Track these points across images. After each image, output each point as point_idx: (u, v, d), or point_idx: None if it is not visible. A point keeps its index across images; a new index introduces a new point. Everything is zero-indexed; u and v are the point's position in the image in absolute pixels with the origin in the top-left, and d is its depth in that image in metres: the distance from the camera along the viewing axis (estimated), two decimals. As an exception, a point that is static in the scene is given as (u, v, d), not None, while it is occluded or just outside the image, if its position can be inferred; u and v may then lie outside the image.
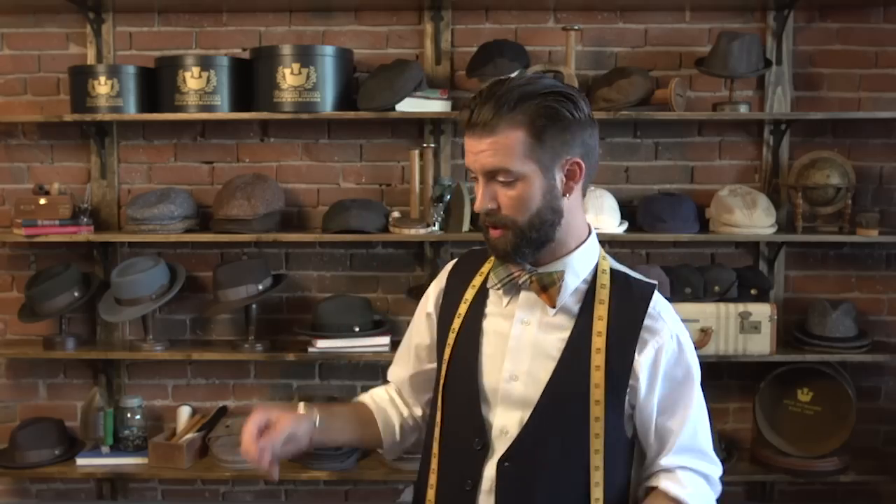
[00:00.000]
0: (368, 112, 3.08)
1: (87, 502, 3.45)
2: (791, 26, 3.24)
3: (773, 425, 3.24)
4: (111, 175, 3.35)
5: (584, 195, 1.59)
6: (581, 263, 1.59)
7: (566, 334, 1.56)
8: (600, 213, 3.06)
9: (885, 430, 3.36)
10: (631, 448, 1.61)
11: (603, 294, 1.57)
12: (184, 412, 3.29)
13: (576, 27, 3.14)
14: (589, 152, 1.54)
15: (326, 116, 3.12)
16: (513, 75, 1.59)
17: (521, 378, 1.57)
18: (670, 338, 1.56)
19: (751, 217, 3.07)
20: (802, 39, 3.28)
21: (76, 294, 3.19)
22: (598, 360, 1.52)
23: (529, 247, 1.53)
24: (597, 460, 1.52)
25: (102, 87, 3.10)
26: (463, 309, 1.66)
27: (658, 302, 1.58)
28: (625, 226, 3.13)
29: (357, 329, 3.15)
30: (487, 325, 1.63)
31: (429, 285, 1.80)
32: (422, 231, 3.09)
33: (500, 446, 1.57)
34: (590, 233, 1.62)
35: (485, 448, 1.57)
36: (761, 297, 3.15)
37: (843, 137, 3.28)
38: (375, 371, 3.38)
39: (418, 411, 1.83)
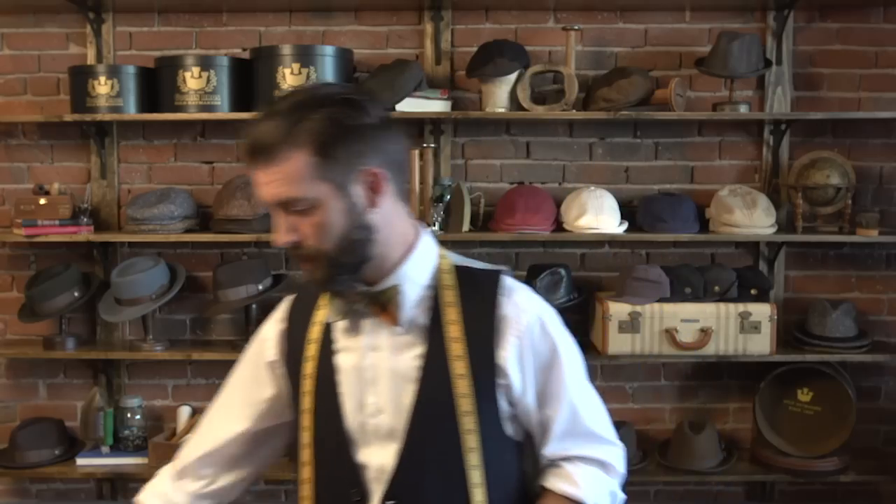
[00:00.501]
0: (368, 112, 3.07)
1: (87, 502, 3.45)
2: (791, 26, 3.24)
3: (773, 425, 3.24)
4: (111, 175, 3.35)
5: (400, 202, 1.45)
6: (417, 270, 1.45)
7: (421, 350, 1.43)
8: (600, 213, 3.07)
9: (885, 430, 3.36)
10: (520, 449, 1.52)
11: (449, 296, 1.44)
12: (184, 412, 3.29)
13: (576, 27, 3.14)
14: (390, 157, 1.40)
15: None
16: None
17: (386, 409, 1.44)
18: (529, 323, 1.44)
19: (751, 217, 3.07)
20: (802, 39, 3.28)
21: (76, 294, 3.19)
22: (459, 367, 1.41)
23: (347, 272, 1.38)
24: (475, 476, 1.41)
25: (102, 87, 3.10)
26: (312, 350, 1.50)
27: (508, 288, 1.46)
28: (625, 226, 3.13)
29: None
30: (340, 361, 1.48)
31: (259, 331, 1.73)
32: (422, 231, 3.08)
33: (378, 488, 1.44)
34: (419, 235, 1.48)
35: (364, 497, 1.45)
36: (761, 297, 3.15)
37: (843, 137, 3.28)
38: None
39: (225, 481, 1.62)
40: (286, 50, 3.05)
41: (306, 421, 1.50)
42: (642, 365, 3.35)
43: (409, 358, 1.44)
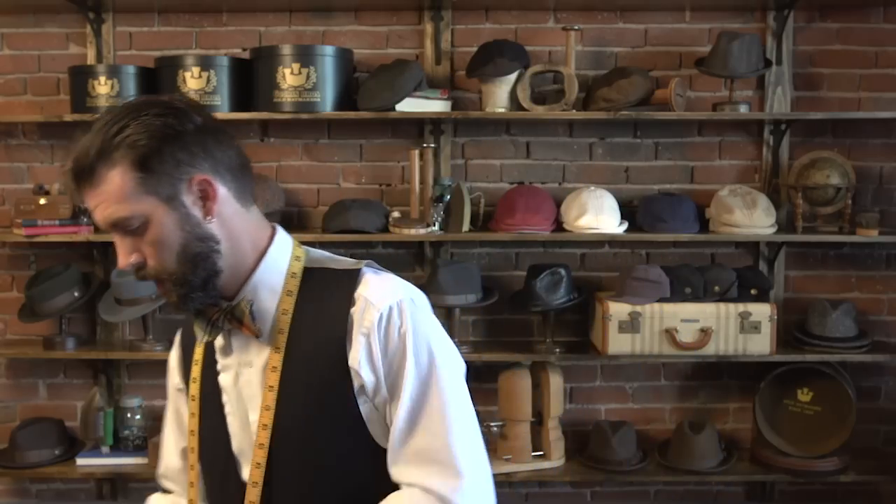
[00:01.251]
0: (368, 112, 3.08)
1: (87, 502, 3.45)
2: (791, 26, 3.24)
3: (773, 425, 3.24)
4: (111, 175, 3.35)
5: (246, 204, 1.35)
6: (271, 276, 1.35)
7: (279, 360, 1.34)
8: (600, 213, 3.07)
9: (885, 430, 3.36)
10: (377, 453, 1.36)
11: (287, 303, 1.34)
12: (184, 412, 3.29)
13: (576, 27, 3.14)
14: (219, 161, 1.30)
15: (326, 116, 3.12)
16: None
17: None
18: (377, 316, 1.30)
19: (751, 217, 3.07)
20: (802, 39, 3.28)
21: (76, 294, 3.19)
22: (272, 379, 1.32)
23: (199, 290, 1.30)
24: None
25: (102, 87, 3.10)
26: (195, 371, 1.44)
27: (363, 283, 1.33)
28: (625, 226, 3.13)
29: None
30: (222, 380, 1.41)
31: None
32: (422, 231, 3.09)
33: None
34: (271, 240, 1.38)
35: None
36: (761, 297, 3.15)
37: (843, 137, 3.28)
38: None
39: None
40: (286, 50, 3.05)
41: (192, 442, 1.45)
42: (642, 365, 3.35)
43: (250, 364, 1.37)
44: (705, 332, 3.07)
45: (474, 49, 3.16)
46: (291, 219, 3.37)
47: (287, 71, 3.03)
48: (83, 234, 3.17)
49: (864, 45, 3.27)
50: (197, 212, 1.29)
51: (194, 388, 1.45)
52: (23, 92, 3.37)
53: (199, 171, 1.28)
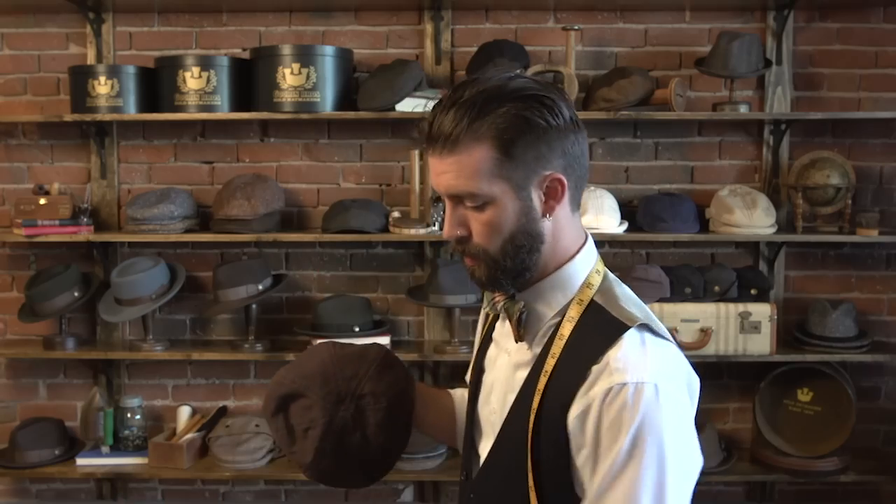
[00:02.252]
0: (368, 112, 3.08)
1: (87, 502, 3.45)
2: (791, 26, 3.24)
3: (773, 425, 3.24)
4: (111, 175, 3.36)
5: (575, 209, 1.34)
6: (555, 292, 1.33)
7: (527, 372, 1.33)
8: (600, 213, 3.07)
9: (885, 430, 3.36)
10: None
11: (566, 328, 1.30)
12: (184, 412, 3.29)
13: (576, 27, 3.14)
14: (573, 163, 1.29)
15: (326, 116, 3.12)
16: (478, 77, 1.37)
17: (497, 410, 1.39)
18: (608, 389, 1.19)
19: (751, 217, 3.07)
20: (802, 39, 3.28)
21: (76, 294, 3.19)
22: (536, 401, 1.28)
23: (506, 276, 1.30)
24: None
25: (102, 87, 3.10)
26: (481, 330, 1.52)
27: (621, 344, 1.23)
28: (625, 226, 3.13)
29: (357, 329, 3.15)
30: (490, 351, 1.46)
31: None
32: (422, 231, 3.09)
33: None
34: (575, 255, 1.34)
35: (468, 480, 1.45)
36: (761, 297, 3.15)
37: (843, 137, 3.28)
38: (375, 371, 3.37)
39: None
40: (286, 50, 3.05)
41: (468, 400, 1.51)
42: (642, 365, 3.35)
43: (520, 375, 1.35)
44: (705, 332, 3.07)
45: (474, 49, 3.16)
46: (291, 219, 3.37)
47: (287, 71, 3.03)
48: (83, 234, 3.17)
49: (864, 45, 3.27)
50: (538, 206, 1.28)
51: (476, 343, 1.53)
52: (23, 92, 3.37)
53: (554, 168, 1.27)
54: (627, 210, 3.21)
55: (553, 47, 3.29)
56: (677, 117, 3.10)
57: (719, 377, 3.38)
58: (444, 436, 1.65)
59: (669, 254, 3.34)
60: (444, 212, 3.11)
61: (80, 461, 3.19)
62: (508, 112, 1.23)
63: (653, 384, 1.19)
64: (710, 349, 3.08)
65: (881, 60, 3.28)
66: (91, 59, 3.30)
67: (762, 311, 3.07)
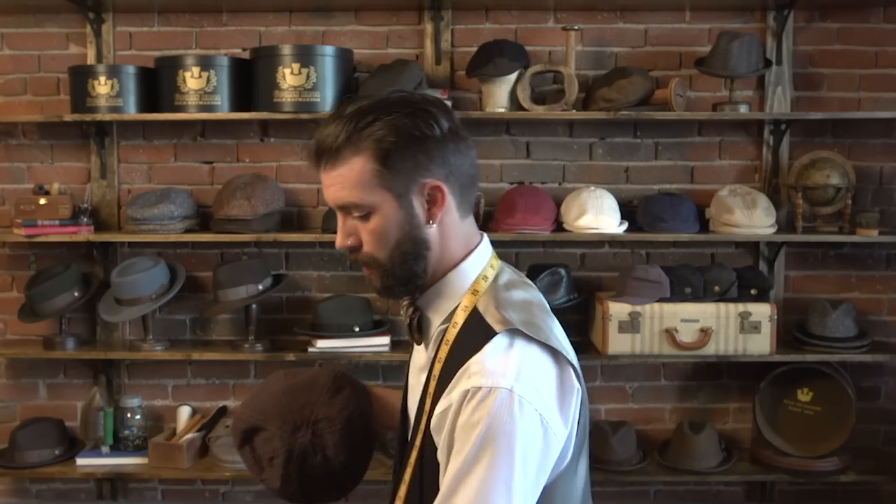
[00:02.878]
0: (368, 112, 3.07)
1: (87, 502, 3.45)
2: (791, 26, 3.24)
3: (773, 425, 3.24)
4: (111, 175, 3.36)
5: (465, 215, 1.37)
6: (441, 299, 1.37)
7: (423, 377, 1.39)
8: (600, 214, 3.07)
9: (885, 430, 3.36)
10: None
11: (451, 333, 1.33)
12: (184, 412, 3.29)
13: (576, 27, 3.14)
14: (455, 171, 1.33)
15: (326, 116, 3.11)
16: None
17: (412, 410, 1.43)
18: (466, 389, 1.23)
19: (751, 217, 3.07)
20: (802, 39, 3.28)
21: (76, 294, 3.19)
22: (428, 403, 1.33)
23: (397, 284, 1.36)
24: None
25: (102, 87, 3.10)
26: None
27: (488, 347, 1.26)
28: (625, 226, 3.13)
29: (357, 329, 3.15)
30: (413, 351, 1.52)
31: None
32: (422, 231, 3.08)
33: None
34: (463, 259, 1.37)
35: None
36: (761, 297, 3.14)
37: (843, 137, 3.28)
38: (375, 371, 3.38)
39: None
40: (286, 50, 3.05)
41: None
42: (642, 365, 3.35)
43: (421, 377, 1.42)
44: (705, 332, 3.07)
45: (474, 49, 3.16)
46: (291, 219, 3.37)
47: (287, 71, 3.03)
48: (83, 234, 3.17)
49: (864, 45, 3.27)
50: (421, 214, 1.33)
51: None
52: (23, 92, 3.37)
53: (433, 176, 1.32)
54: (627, 210, 3.21)
55: (553, 47, 3.29)
56: (677, 117, 3.10)
57: (719, 377, 3.38)
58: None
59: (669, 254, 3.34)
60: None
61: (80, 461, 3.19)
62: (385, 124, 1.29)
63: (507, 389, 1.22)
64: (710, 349, 3.08)
65: (881, 60, 3.28)
66: (91, 59, 3.30)
67: (762, 311, 3.07)
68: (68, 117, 3.15)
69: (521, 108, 3.12)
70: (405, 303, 1.43)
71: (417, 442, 1.34)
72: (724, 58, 3.07)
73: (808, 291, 3.33)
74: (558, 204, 3.20)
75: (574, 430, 1.31)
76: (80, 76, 3.13)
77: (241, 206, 3.10)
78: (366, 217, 1.33)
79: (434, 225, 1.34)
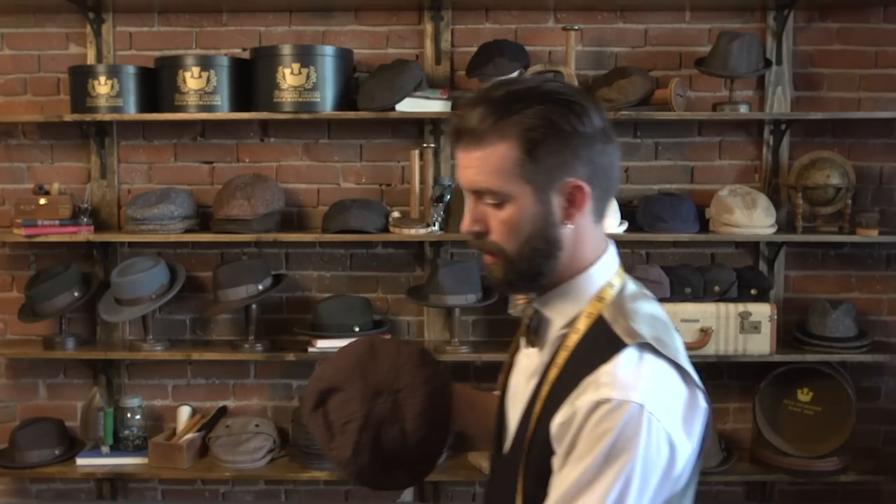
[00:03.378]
0: (368, 112, 3.08)
1: (87, 502, 3.45)
2: (791, 26, 3.24)
3: (773, 425, 3.24)
4: (111, 175, 3.36)
5: (599, 219, 1.32)
6: (566, 301, 1.32)
7: (537, 378, 1.33)
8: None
9: (885, 430, 3.36)
10: None
11: (572, 340, 1.28)
12: (184, 412, 3.29)
13: (576, 27, 3.14)
14: (598, 173, 1.28)
15: (326, 116, 3.12)
16: (512, 76, 1.32)
17: (514, 412, 1.38)
18: (593, 401, 1.18)
19: (751, 217, 3.07)
20: (802, 39, 3.28)
21: (76, 294, 3.19)
22: (538, 408, 1.28)
23: (521, 279, 1.30)
24: None
25: (102, 87, 3.10)
26: (519, 336, 1.48)
27: (616, 361, 1.21)
28: (625, 226, 3.13)
29: (357, 329, 3.15)
30: (520, 350, 1.45)
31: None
32: (422, 231, 3.09)
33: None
34: (592, 264, 1.33)
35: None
36: (761, 297, 3.15)
37: (843, 137, 3.28)
38: (375, 371, 3.37)
39: None
40: (286, 50, 3.05)
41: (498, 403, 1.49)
42: (642, 365, 3.35)
43: (531, 380, 1.35)
44: (705, 332, 3.07)
45: (474, 49, 3.16)
46: (291, 219, 3.37)
47: (287, 71, 3.03)
48: (83, 234, 3.17)
49: (864, 45, 3.27)
50: (558, 213, 1.27)
51: (516, 344, 1.47)
52: (23, 92, 3.37)
53: (577, 175, 1.26)
54: (627, 210, 3.21)
55: (553, 47, 3.29)
56: (677, 117, 3.10)
57: (719, 377, 3.38)
58: (489, 437, 1.61)
59: (669, 254, 3.34)
60: (444, 212, 3.13)
61: (80, 461, 3.19)
62: (536, 113, 1.23)
63: (638, 404, 1.17)
64: (710, 349, 3.08)
65: (881, 60, 3.28)
66: (91, 59, 3.30)
67: (762, 311, 3.07)
68: (68, 117, 3.15)
69: (521, 108, 3.11)
70: (521, 300, 1.38)
71: (525, 448, 1.28)
72: (724, 58, 3.07)
73: (808, 291, 3.33)
74: (558, 204, 3.19)
75: (696, 453, 1.25)
76: (80, 76, 3.13)
77: (241, 206, 3.10)
78: (499, 205, 1.26)
79: (569, 225, 1.28)
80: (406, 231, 3.09)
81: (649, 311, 1.31)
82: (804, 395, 3.25)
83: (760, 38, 3.18)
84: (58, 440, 3.23)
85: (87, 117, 3.13)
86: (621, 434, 1.16)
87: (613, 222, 3.10)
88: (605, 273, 1.33)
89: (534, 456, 1.26)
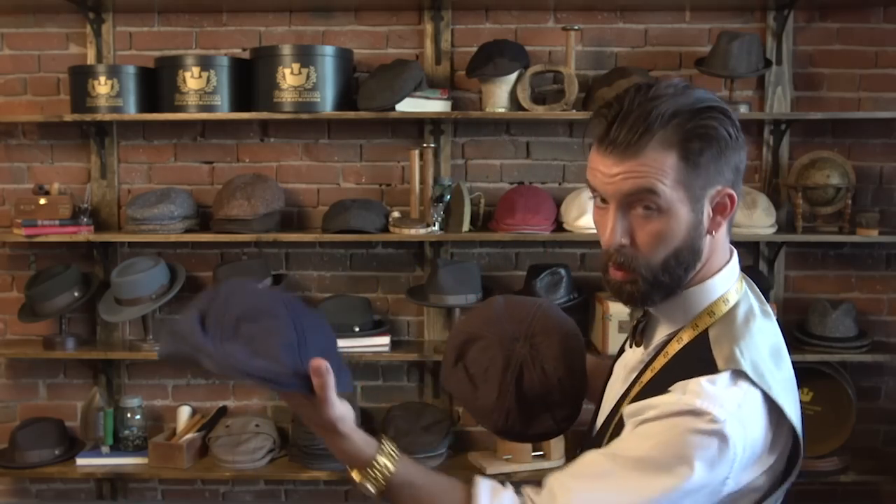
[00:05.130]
0: (368, 112, 3.08)
1: (87, 502, 3.45)
2: (791, 26, 3.24)
3: (773, 425, 3.23)
4: (111, 175, 3.36)
5: (731, 223, 1.33)
6: (675, 311, 1.30)
7: (634, 376, 1.35)
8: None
9: (885, 430, 3.36)
10: None
11: (673, 348, 1.28)
12: (184, 412, 3.29)
13: (576, 27, 3.14)
14: (739, 179, 1.28)
15: (326, 116, 3.12)
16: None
17: (610, 398, 1.40)
18: (675, 403, 1.19)
19: (751, 217, 3.07)
20: (802, 39, 3.28)
21: (76, 294, 3.19)
22: (625, 405, 1.30)
23: (659, 293, 1.27)
24: None
25: (102, 87, 3.10)
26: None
27: (707, 380, 1.19)
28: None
29: (357, 329, 3.15)
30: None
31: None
32: (422, 231, 3.09)
33: None
34: (710, 277, 1.31)
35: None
36: (761, 297, 3.14)
37: (843, 137, 3.28)
38: (375, 371, 3.38)
39: None
40: (286, 50, 3.05)
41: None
42: (642, 365, 3.35)
43: (629, 375, 1.37)
44: (705, 332, 3.07)
45: (474, 49, 3.16)
46: (291, 219, 3.37)
47: (287, 71, 3.03)
48: (83, 234, 3.17)
49: (864, 45, 3.27)
50: (706, 222, 1.26)
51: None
52: (23, 92, 3.37)
53: (726, 182, 1.26)
54: (627, 210, 3.20)
55: (553, 47, 3.29)
56: (677, 117, 3.09)
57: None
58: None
59: (669, 254, 3.34)
60: (444, 212, 3.12)
61: (80, 461, 3.19)
62: (697, 122, 1.22)
63: (721, 419, 1.16)
64: (710, 349, 3.07)
65: (881, 60, 3.28)
66: (91, 59, 3.30)
67: (762, 311, 3.07)
68: (68, 117, 3.15)
69: (521, 109, 3.12)
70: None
71: (606, 439, 1.31)
72: (724, 58, 3.07)
73: (808, 291, 3.33)
74: (558, 204, 3.20)
75: (774, 491, 1.25)
76: (80, 76, 3.13)
77: (241, 206, 3.10)
78: (651, 216, 1.22)
79: (714, 235, 1.27)
80: (406, 231, 3.09)
81: (757, 335, 1.28)
82: (804, 395, 3.25)
83: (760, 38, 3.18)
84: (58, 440, 3.23)
85: (87, 117, 3.13)
86: (687, 445, 1.16)
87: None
88: (724, 284, 1.32)
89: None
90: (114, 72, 3.11)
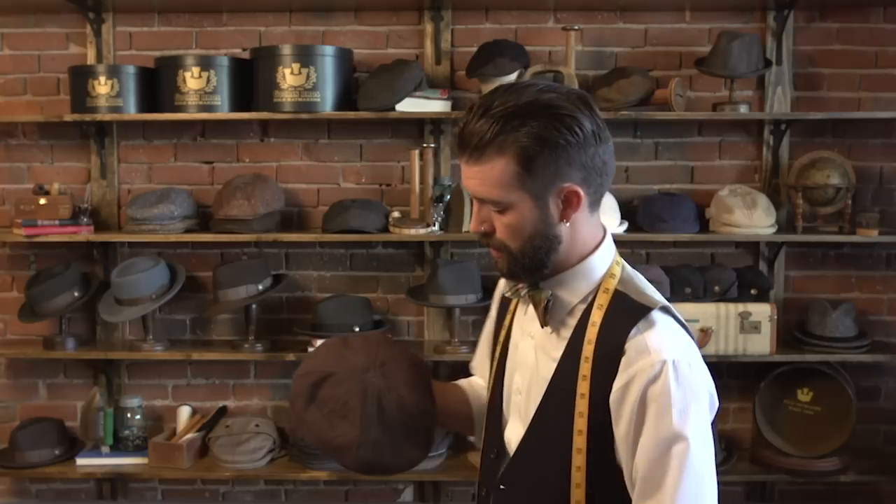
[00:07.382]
0: (368, 112, 3.08)
1: (87, 502, 3.45)
2: (791, 26, 3.24)
3: (773, 425, 3.24)
4: (111, 175, 3.35)
5: (594, 210, 1.44)
6: (579, 281, 1.44)
7: (558, 355, 1.43)
8: (600, 214, 3.06)
9: (885, 430, 3.36)
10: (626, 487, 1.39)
11: (597, 315, 1.40)
12: (184, 412, 3.29)
13: (576, 27, 3.14)
14: (592, 173, 1.38)
15: (326, 116, 3.12)
16: (510, 79, 1.40)
17: (523, 393, 1.49)
18: (644, 365, 1.33)
19: (751, 217, 3.07)
20: (802, 39, 3.28)
21: (76, 294, 3.19)
22: (583, 387, 1.37)
23: (524, 271, 1.42)
24: (577, 494, 1.37)
25: (102, 87, 3.10)
26: (507, 319, 1.59)
27: (647, 324, 1.36)
28: (625, 226, 3.13)
29: (357, 329, 3.14)
30: (514, 335, 1.56)
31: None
32: (422, 231, 3.09)
33: (504, 463, 1.51)
34: (595, 248, 1.45)
35: (499, 458, 1.53)
36: (761, 297, 3.15)
37: (843, 137, 3.28)
38: (375, 371, 3.38)
39: None
40: (286, 50, 3.05)
41: (491, 381, 1.60)
42: (642, 365, 3.35)
43: (547, 358, 1.46)
44: (705, 332, 3.07)
45: (474, 49, 3.16)
46: (291, 219, 3.37)
47: (287, 71, 3.03)
48: (83, 234, 3.17)
49: (864, 45, 3.27)
50: (555, 214, 1.39)
51: (502, 334, 1.59)
52: (23, 92, 3.37)
53: (572, 180, 1.37)
54: (627, 210, 3.21)
55: (553, 47, 3.29)
56: (677, 117, 3.10)
57: (719, 377, 3.35)
58: (460, 423, 1.75)
59: (669, 254, 3.34)
60: (444, 212, 3.13)
61: (80, 461, 3.19)
62: (530, 131, 1.32)
63: (686, 361, 1.37)
64: (710, 349, 3.08)
65: (881, 60, 3.28)
66: (91, 59, 3.30)
67: (762, 311, 3.07)
68: (68, 117, 3.15)
69: (521, 108, 3.11)
70: (521, 284, 1.47)
71: (583, 426, 1.37)
72: (724, 58, 3.07)
73: (808, 291, 3.33)
74: (558, 204, 3.20)
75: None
76: (80, 76, 3.13)
77: (241, 206, 3.10)
78: (502, 211, 1.39)
79: (567, 223, 1.40)
80: (406, 231, 3.09)
81: (650, 285, 1.48)
82: (804, 395, 3.25)
83: (760, 38, 3.18)
84: (58, 440, 3.23)
85: (87, 117, 3.13)
86: (687, 389, 1.35)
87: (614, 222, 3.10)
88: (607, 255, 1.47)
89: (594, 426, 1.37)
90: (114, 72, 3.11)
